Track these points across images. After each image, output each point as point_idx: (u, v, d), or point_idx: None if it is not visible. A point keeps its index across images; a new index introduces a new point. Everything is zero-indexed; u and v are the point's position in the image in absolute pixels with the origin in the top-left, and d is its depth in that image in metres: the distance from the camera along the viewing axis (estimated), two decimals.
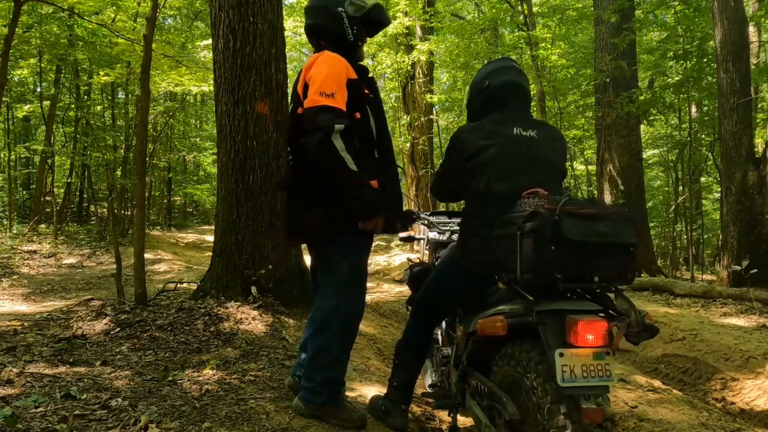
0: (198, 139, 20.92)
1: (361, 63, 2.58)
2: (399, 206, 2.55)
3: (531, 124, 2.39)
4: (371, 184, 2.37)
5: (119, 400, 2.56)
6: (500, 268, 2.08)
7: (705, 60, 10.13)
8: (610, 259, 1.92)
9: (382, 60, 13.28)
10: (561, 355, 1.77)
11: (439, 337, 3.11)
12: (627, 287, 2.08)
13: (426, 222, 3.17)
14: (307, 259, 3.26)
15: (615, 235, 1.91)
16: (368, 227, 2.39)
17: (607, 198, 9.84)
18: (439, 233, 3.21)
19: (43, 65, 12.78)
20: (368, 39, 2.66)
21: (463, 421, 2.88)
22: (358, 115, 2.38)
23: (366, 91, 2.42)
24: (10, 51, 7.34)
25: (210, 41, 5.59)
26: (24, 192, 16.52)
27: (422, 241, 3.48)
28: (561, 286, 1.87)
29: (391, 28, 12.20)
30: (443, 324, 3.04)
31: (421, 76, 13.83)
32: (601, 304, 1.95)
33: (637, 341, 1.89)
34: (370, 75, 2.62)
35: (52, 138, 13.85)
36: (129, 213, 13.73)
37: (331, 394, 2.46)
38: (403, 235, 3.71)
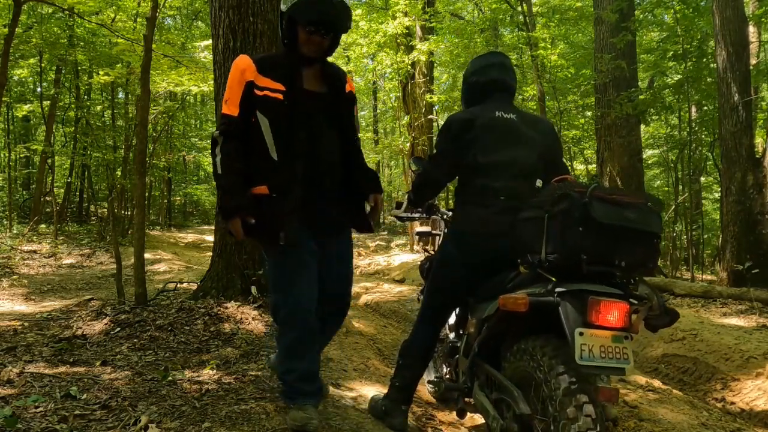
0: (198, 139, 20.90)
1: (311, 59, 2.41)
2: (289, 214, 2.30)
3: (512, 110, 2.59)
4: (236, 188, 2.29)
5: (119, 400, 2.57)
6: (524, 250, 2.12)
7: (704, 60, 10.13)
8: (635, 246, 1.94)
9: (381, 60, 13.27)
10: (581, 334, 1.80)
11: (447, 330, 3.11)
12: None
13: (445, 217, 3.17)
14: None
15: (642, 222, 1.94)
16: (231, 230, 2.31)
17: None
18: None
19: (43, 65, 12.79)
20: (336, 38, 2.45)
21: (469, 417, 2.88)
22: (253, 118, 2.33)
23: (260, 92, 2.29)
24: (10, 51, 7.34)
25: (210, 41, 5.59)
26: (24, 192, 16.52)
27: (438, 237, 3.47)
28: (585, 268, 1.88)
29: (391, 28, 12.20)
30: (453, 316, 3.04)
31: (420, 76, 13.83)
32: (621, 290, 1.97)
33: (657, 326, 1.94)
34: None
35: (52, 138, 13.85)
36: (129, 213, 13.73)
37: (285, 387, 2.43)
38: (419, 229, 3.75)
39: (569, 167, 12.94)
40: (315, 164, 2.36)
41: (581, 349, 1.78)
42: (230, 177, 2.27)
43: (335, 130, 2.45)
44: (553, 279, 1.98)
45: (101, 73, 11.35)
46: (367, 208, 2.55)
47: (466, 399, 2.57)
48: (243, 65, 2.33)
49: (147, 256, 6.10)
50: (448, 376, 2.96)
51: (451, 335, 3.01)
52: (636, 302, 1.90)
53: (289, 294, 2.35)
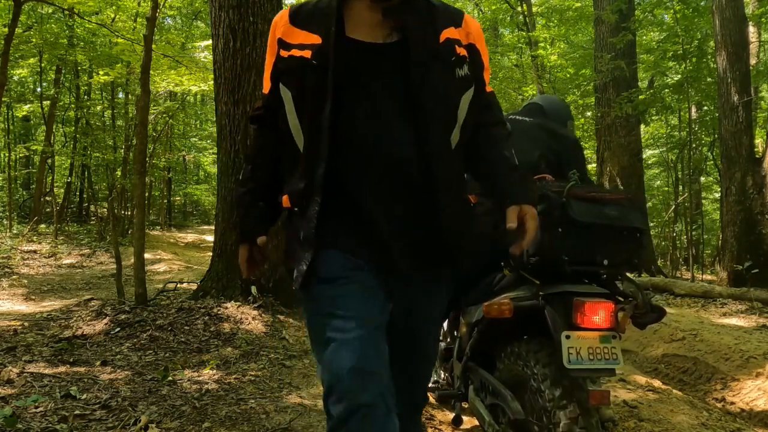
0: (198, 139, 20.90)
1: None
2: (306, 238, 1.37)
3: (533, 117, 2.56)
4: (246, 201, 1.57)
5: (119, 400, 2.57)
6: (507, 253, 2.10)
7: (704, 60, 10.14)
8: (617, 243, 1.93)
9: None
10: (567, 337, 1.78)
11: (441, 335, 3.11)
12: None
13: None
14: None
15: (622, 218, 1.93)
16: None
17: None
18: None
19: (43, 65, 12.78)
20: None
21: (466, 419, 2.88)
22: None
23: (286, 53, 1.42)
24: (10, 51, 7.34)
25: (210, 41, 5.59)
26: (24, 192, 16.51)
27: None
28: (568, 268, 1.87)
29: None
30: (446, 321, 3.03)
31: None
32: (607, 289, 1.95)
33: (645, 323, 1.91)
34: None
35: (52, 138, 13.85)
36: (129, 213, 13.73)
37: None
38: None
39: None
40: (361, 159, 1.37)
41: (569, 352, 1.75)
42: (245, 185, 1.58)
43: (410, 106, 1.37)
44: (537, 281, 1.96)
45: (101, 73, 11.35)
46: (511, 225, 1.42)
47: (463, 404, 2.57)
48: (276, 19, 1.51)
49: (147, 256, 6.10)
50: (445, 381, 2.96)
51: (446, 339, 3.01)
52: (622, 300, 1.89)
53: (325, 363, 1.32)
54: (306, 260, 1.37)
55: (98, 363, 3.18)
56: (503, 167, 1.49)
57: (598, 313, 1.80)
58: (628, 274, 1.98)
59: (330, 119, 1.35)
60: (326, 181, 1.35)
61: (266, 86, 1.53)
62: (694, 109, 12.59)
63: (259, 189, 1.57)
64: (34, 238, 11.15)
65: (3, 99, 8.20)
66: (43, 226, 12.57)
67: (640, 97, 9.78)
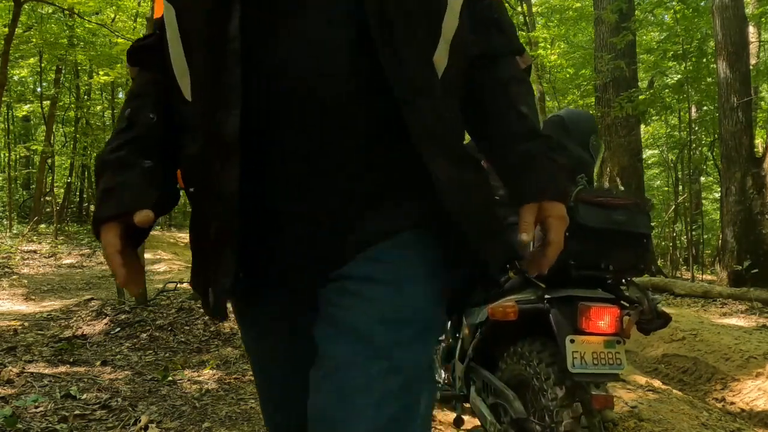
0: None
1: None
2: (219, 237, 0.83)
3: (548, 129, 2.50)
4: (113, 164, 0.88)
5: (119, 400, 2.57)
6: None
7: (704, 60, 10.15)
8: (624, 248, 1.93)
9: None
10: (572, 341, 1.78)
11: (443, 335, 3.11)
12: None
13: None
14: None
15: (629, 224, 1.92)
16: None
17: None
18: None
19: (43, 65, 12.79)
20: None
21: (467, 417, 2.88)
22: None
23: None
24: (10, 51, 7.34)
25: None
26: (24, 192, 16.53)
27: None
28: (574, 273, 1.87)
29: None
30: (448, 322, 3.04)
31: None
32: (612, 294, 1.95)
33: (650, 329, 1.90)
34: None
35: (52, 138, 13.86)
36: None
37: None
38: None
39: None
40: (276, 104, 0.81)
41: (573, 356, 1.75)
42: (118, 138, 0.91)
43: (358, 16, 0.78)
44: (542, 285, 1.96)
45: (101, 73, 11.36)
46: (524, 237, 0.96)
47: (465, 404, 2.57)
48: None
49: (147, 256, 6.10)
50: (446, 381, 2.96)
51: (448, 339, 3.01)
52: (627, 305, 1.89)
53: (262, 409, 1.10)
54: (227, 273, 0.83)
55: (98, 363, 3.19)
56: (515, 130, 0.92)
57: (604, 318, 1.81)
58: (634, 280, 1.98)
59: (240, 39, 0.79)
60: (242, 132, 0.78)
61: (158, 9, 0.95)
62: (694, 109, 12.59)
63: (146, 141, 0.90)
64: (34, 238, 11.16)
65: (3, 99, 8.21)
66: (43, 226, 12.57)
67: (640, 97, 9.79)
